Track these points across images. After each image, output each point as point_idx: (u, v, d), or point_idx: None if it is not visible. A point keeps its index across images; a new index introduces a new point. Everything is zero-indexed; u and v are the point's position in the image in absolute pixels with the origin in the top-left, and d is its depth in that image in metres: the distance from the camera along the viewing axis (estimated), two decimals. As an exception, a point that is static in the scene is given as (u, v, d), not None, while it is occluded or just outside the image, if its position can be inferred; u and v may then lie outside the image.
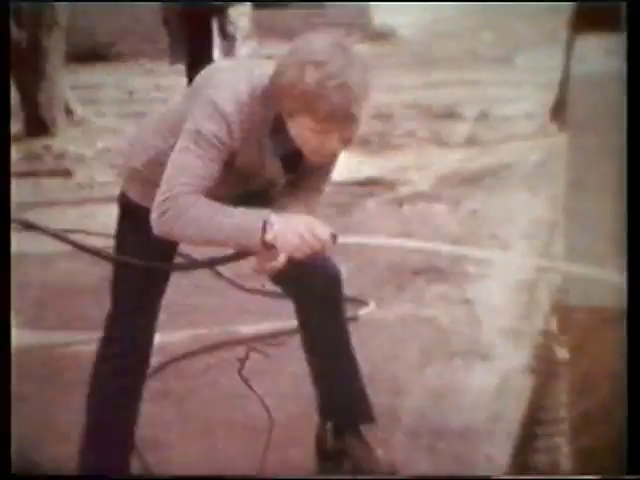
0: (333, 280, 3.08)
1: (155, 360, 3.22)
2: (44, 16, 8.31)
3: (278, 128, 2.69)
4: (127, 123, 8.45)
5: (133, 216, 2.88)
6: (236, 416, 3.52)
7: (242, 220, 2.62)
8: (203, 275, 4.47)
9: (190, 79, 6.34)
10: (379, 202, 6.23)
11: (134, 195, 2.91)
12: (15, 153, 7.40)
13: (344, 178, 6.00)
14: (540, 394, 3.64)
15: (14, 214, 2.66)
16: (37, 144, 8.13)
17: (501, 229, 5.48)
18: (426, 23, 13.24)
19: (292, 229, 2.61)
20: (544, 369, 3.82)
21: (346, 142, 2.65)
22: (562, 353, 3.85)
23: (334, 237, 2.67)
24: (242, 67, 2.85)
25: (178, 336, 4.18)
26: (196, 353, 4.10)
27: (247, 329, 4.28)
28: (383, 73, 8.89)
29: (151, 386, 3.19)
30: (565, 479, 3.15)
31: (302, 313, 3.14)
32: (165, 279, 2.99)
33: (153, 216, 2.65)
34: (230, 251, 2.78)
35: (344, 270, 3.14)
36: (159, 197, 2.64)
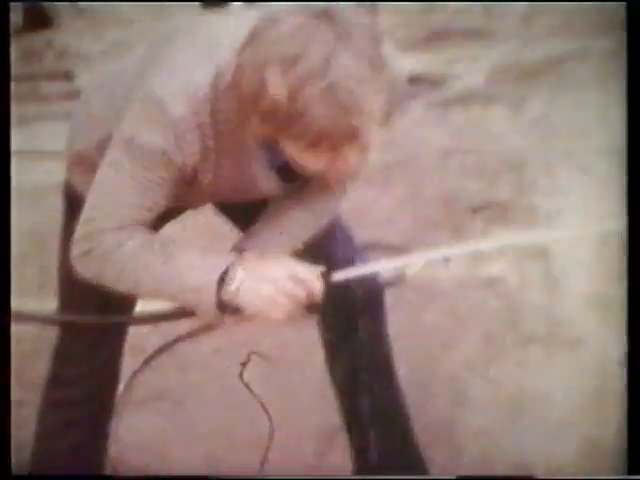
0: (373, 297, 2.25)
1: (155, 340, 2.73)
2: None
3: None
4: (144, 10, 7.55)
5: None
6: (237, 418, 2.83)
7: (191, 273, 1.82)
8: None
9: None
10: (424, 105, 5.19)
11: (83, 186, 2.03)
12: (13, 52, 6.56)
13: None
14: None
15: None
16: (38, 39, 7.32)
17: (575, 142, 4.40)
18: None
19: (261, 278, 1.81)
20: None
21: (364, 150, 1.69)
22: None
23: (326, 277, 1.85)
24: (206, 37, 1.85)
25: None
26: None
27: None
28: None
29: (150, 384, 2.76)
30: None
31: (328, 332, 2.29)
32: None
33: (73, 254, 1.89)
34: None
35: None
36: (80, 229, 1.88)
